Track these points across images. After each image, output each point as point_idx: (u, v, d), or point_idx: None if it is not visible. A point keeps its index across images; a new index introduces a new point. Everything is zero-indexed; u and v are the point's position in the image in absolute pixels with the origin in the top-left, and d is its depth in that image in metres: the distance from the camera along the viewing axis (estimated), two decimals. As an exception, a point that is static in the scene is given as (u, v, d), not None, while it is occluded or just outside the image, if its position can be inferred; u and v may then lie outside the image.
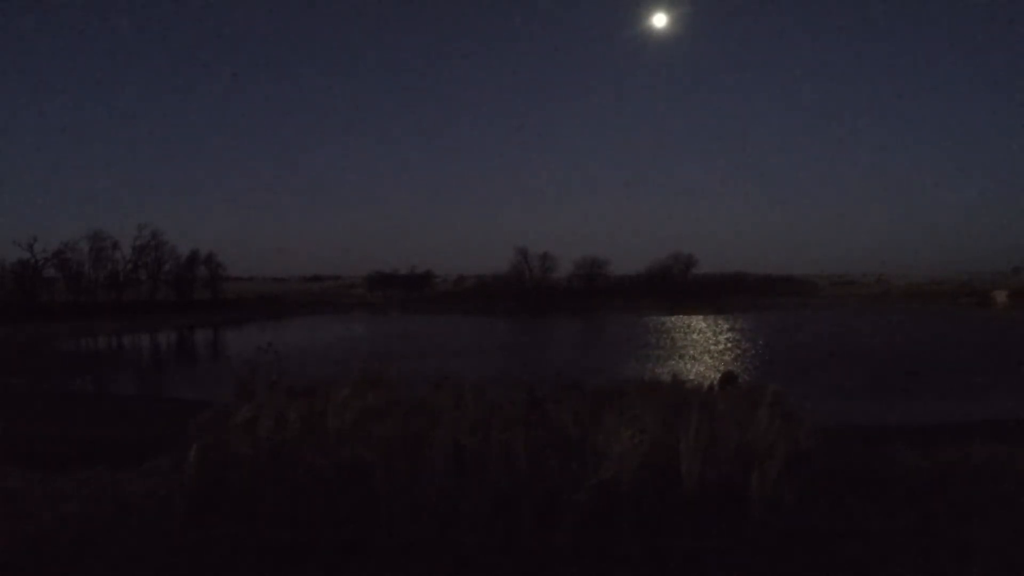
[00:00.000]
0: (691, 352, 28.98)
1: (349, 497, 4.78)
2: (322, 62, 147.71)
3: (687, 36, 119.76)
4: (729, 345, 31.71)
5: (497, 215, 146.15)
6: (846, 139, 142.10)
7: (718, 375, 8.65)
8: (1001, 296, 64.78)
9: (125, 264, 65.56)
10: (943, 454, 6.31)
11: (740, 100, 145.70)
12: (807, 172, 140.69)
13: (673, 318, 51.83)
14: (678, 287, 77.49)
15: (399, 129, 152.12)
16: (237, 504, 4.81)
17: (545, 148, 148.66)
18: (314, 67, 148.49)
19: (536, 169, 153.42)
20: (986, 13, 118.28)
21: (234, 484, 4.96)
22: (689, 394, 6.30)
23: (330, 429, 5.24)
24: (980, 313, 56.16)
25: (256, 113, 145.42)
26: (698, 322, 47.62)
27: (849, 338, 35.32)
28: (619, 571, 3.91)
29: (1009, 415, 12.64)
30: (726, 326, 43.56)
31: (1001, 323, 45.41)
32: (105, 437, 9.44)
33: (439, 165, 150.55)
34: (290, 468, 4.96)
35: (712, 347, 30.97)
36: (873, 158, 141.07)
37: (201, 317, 58.54)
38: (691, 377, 9.73)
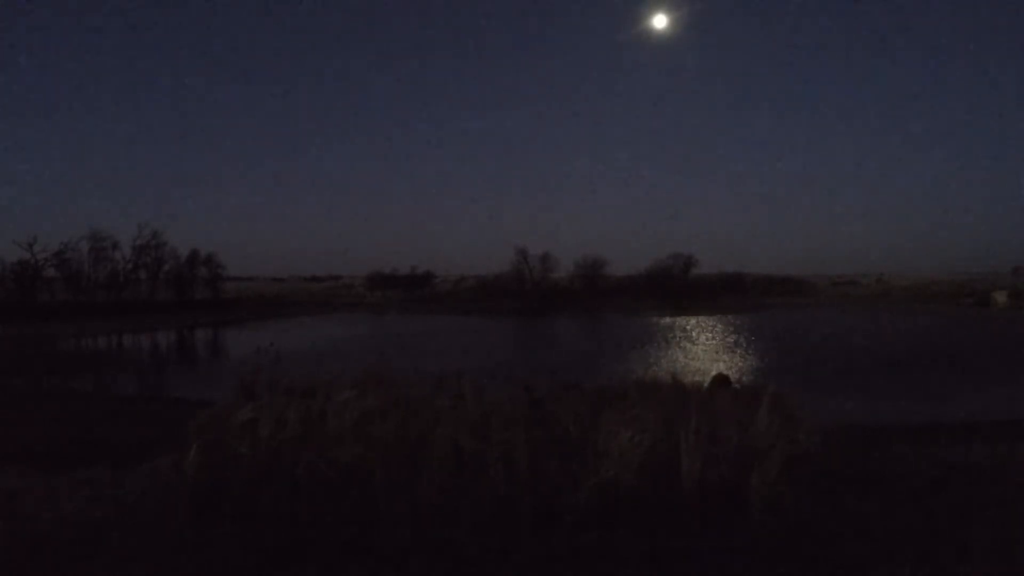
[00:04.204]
0: (691, 352, 28.98)
1: (349, 497, 4.78)
2: (322, 62, 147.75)
3: (687, 37, 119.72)
4: (729, 345, 31.71)
5: (497, 215, 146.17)
6: (846, 139, 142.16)
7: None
8: (1001, 296, 64.72)
9: (125, 264, 65.53)
10: (943, 454, 6.31)
11: (740, 100, 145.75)
12: (807, 172, 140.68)
13: (673, 318, 51.82)
14: (678, 287, 77.37)
15: (399, 129, 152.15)
16: (237, 504, 4.81)
17: (545, 148, 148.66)
18: (314, 67, 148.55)
19: (536, 169, 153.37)
20: (985, 14, 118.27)
21: (234, 484, 4.96)
22: (689, 394, 6.31)
23: (330, 429, 5.24)
24: (980, 313, 56.14)
25: (256, 113, 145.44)
26: (698, 322, 47.61)
27: (849, 338, 35.30)
28: (619, 571, 3.91)
29: (1009, 415, 12.64)
30: (726, 326, 43.55)
31: (1001, 323, 45.40)
32: (105, 437, 9.44)
33: (439, 165, 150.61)
34: (290, 468, 4.96)
35: (712, 347, 30.97)
36: (873, 158, 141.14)
37: (201, 317, 58.52)
38: (690, 378, 9.71)
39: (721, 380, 8.27)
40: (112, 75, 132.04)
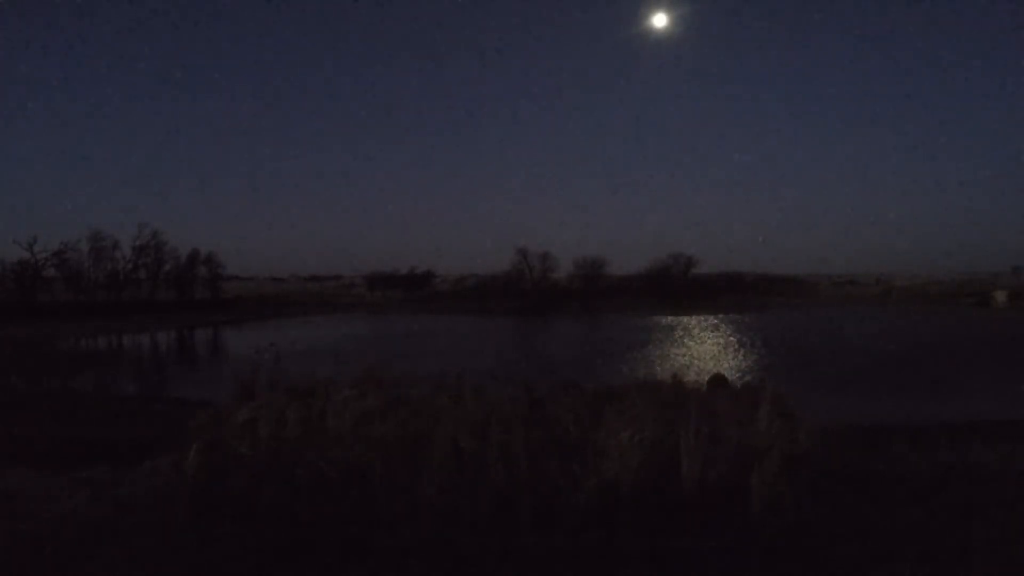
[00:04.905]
0: (691, 352, 28.98)
1: (349, 497, 4.78)
2: (322, 61, 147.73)
3: (687, 36, 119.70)
4: (729, 345, 31.72)
5: (497, 215, 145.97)
6: (846, 139, 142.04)
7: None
8: (1001, 296, 64.77)
9: (125, 264, 65.58)
10: (943, 454, 6.32)
11: (740, 100, 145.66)
12: (808, 172, 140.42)
13: (673, 318, 51.83)
14: (678, 287, 77.42)
15: (399, 129, 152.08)
16: (237, 504, 4.81)
17: (545, 148, 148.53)
18: (314, 66, 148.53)
19: (536, 169, 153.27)
20: (987, 13, 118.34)
21: (234, 484, 4.97)
22: (688, 394, 6.32)
23: (330, 429, 5.25)
24: (980, 313, 56.15)
25: (256, 113, 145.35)
26: (698, 322, 47.62)
27: (848, 338, 35.31)
28: (619, 571, 3.91)
29: (1009, 415, 12.64)
30: (726, 326, 43.57)
31: (1001, 323, 45.40)
32: (105, 437, 9.44)
33: (439, 165, 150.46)
34: (290, 468, 4.96)
35: (712, 347, 30.97)
36: (873, 158, 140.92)
37: (201, 317, 58.54)
38: (690, 377, 9.71)
39: (718, 380, 8.28)
40: (112, 74, 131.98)
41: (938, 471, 5.65)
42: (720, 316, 53.33)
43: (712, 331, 39.95)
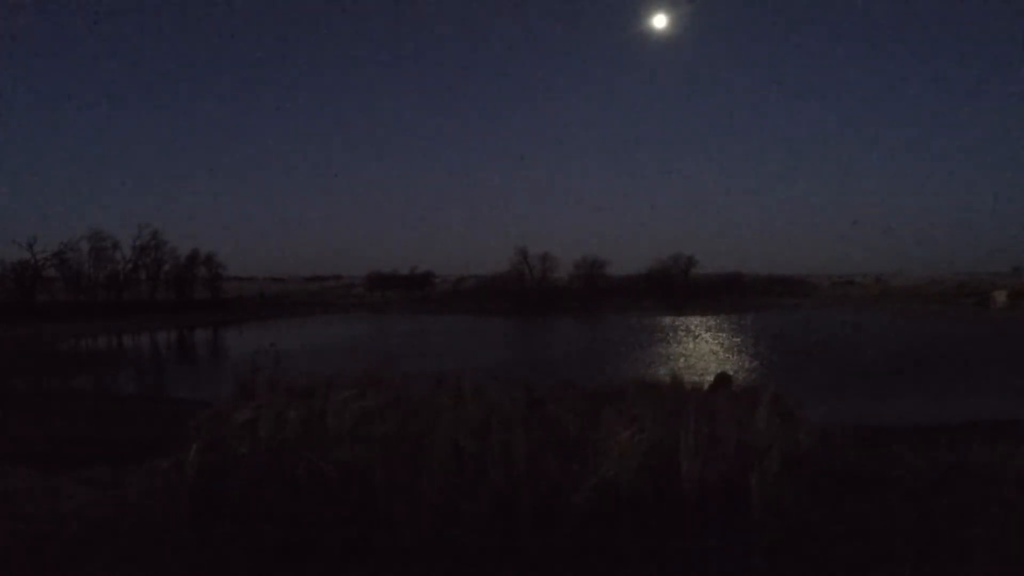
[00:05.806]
0: (690, 352, 28.97)
1: (349, 497, 4.78)
2: (321, 63, 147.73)
3: (687, 36, 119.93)
4: (728, 345, 31.71)
5: (497, 215, 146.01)
6: (845, 139, 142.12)
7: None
8: (1001, 296, 64.71)
9: (125, 264, 65.55)
10: (943, 454, 6.31)
11: (740, 100, 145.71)
12: (808, 172, 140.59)
13: (673, 318, 51.81)
14: (678, 287, 77.46)
15: (400, 129, 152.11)
16: (237, 504, 4.81)
17: (545, 148, 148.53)
18: (313, 67, 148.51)
19: (536, 169, 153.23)
20: (986, 13, 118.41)
21: (234, 484, 4.96)
22: (688, 394, 6.31)
23: (330, 429, 5.24)
24: (980, 313, 56.11)
25: (256, 113, 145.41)
26: (698, 322, 47.61)
27: (848, 338, 35.31)
28: (619, 571, 3.91)
29: (1009, 415, 12.64)
30: (726, 326, 43.55)
31: (1001, 323, 45.37)
32: (105, 437, 9.44)
33: (439, 165, 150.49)
34: (290, 468, 4.96)
35: (712, 347, 30.96)
36: (873, 158, 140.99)
37: (201, 317, 58.54)
38: (690, 377, 9.71)
39: (723, 379, 8.27)
40: (113, 75, 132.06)
41: (938, 471, 5.65)
42: (720, 316, 53.30)
43: (712, 331, 39.93)
